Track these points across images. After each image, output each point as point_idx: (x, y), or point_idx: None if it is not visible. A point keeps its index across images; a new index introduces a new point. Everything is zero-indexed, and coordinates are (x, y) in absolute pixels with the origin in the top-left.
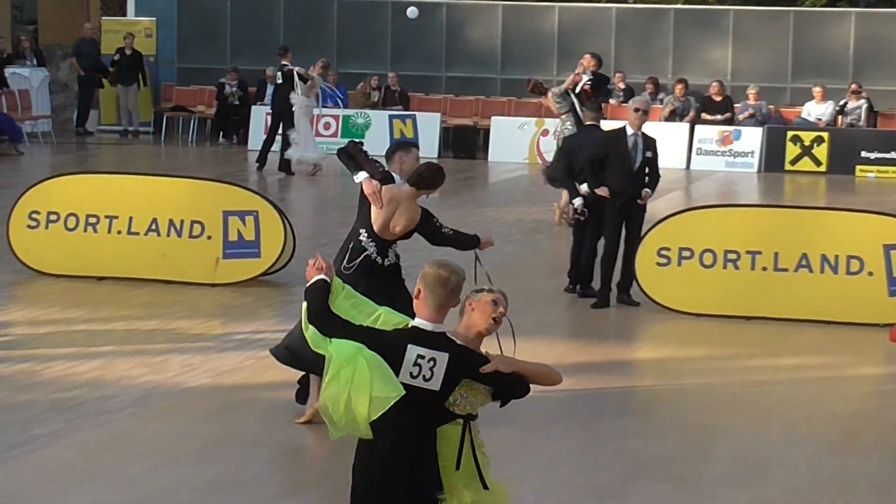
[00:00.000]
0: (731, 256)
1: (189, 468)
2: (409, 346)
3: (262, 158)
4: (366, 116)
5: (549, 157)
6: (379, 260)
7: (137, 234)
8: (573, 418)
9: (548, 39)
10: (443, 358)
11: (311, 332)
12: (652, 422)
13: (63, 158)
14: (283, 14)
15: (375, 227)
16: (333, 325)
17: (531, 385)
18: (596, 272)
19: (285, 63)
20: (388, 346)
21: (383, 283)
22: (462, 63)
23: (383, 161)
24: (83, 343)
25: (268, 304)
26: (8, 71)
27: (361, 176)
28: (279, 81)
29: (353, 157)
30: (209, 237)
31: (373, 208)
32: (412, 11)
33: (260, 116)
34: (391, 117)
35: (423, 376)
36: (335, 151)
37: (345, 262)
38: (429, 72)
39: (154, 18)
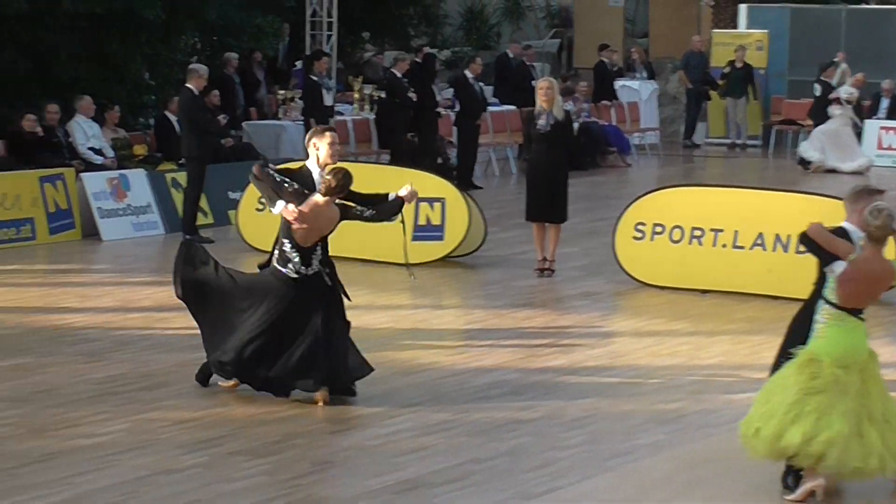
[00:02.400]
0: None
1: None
2: None
3: None
4: None
5: None
6: (303, 269)
7: (742, 247)
8: None
9: None
10: None
11: None
12: None
13: (669, 171)
14: None
15: (300, 241)
16: None
17: None
18: None
19: None
20: None
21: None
22: None
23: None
24: (686, 356)
25: None
26: (618, 83)
27: (279, 206)
28: None
29: (265, 184)
30: None
31: (294, 225)
32: None
33: (873, 130)
34: None
35: None
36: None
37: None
38: None
39: (765, 31)
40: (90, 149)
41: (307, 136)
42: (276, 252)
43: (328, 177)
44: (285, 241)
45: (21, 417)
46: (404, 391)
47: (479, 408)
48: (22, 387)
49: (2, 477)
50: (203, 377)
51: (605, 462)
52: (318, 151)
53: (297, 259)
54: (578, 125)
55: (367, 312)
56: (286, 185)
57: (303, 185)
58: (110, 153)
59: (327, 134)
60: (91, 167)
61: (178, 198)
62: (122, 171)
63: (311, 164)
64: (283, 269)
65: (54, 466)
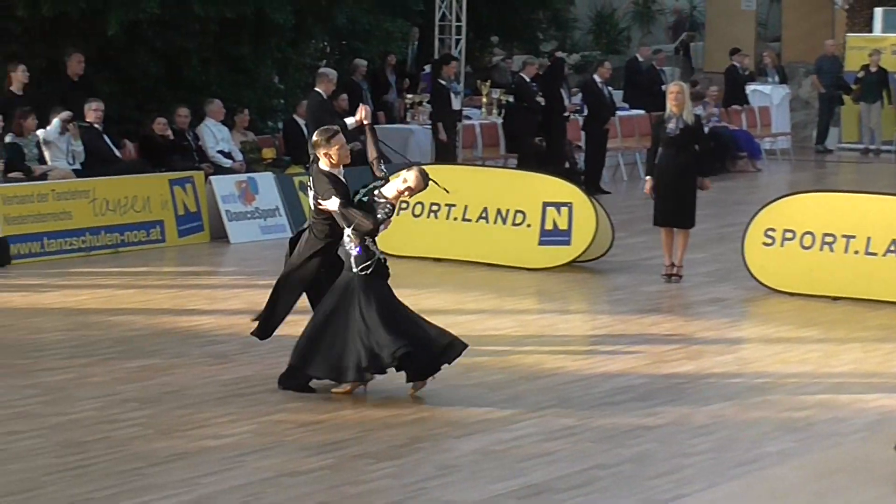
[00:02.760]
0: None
1: None
2: None
3: None
4: None
5: None
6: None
7: (875, 254)
8: None
9: None
10: None
11: None
12: None
13: (800, 176)
14: None
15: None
16: None
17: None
18: None
19: None
20: None
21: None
22: None
23: None
24: (816, 363)
25: None
26: (749, 88)
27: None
28: None
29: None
30: None
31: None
32: None
33: None
34: None
35: None
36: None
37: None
38: None
39: None
40: (219, 152)
41: (314, 143)
42: (355, 253)
43: (408, 175)
44: (366, 237)
45: (149, 418)
46: (529, 396)
47: (605, 413)
48: (150, 388)
49: (130, 476)
50: (296, 384)
51: (731, 470)
52: (332, 158)
53: (375, 246)
54: (708, 130)
55: (493, 317)
56: (363, 214)
57: (343, 186)
58: (239, 156)
59: (333, 140)
60: (220, 170)
61: (305, 201)
62: (251, 175)
63: (325, 167)
64: (370, 261)
65: (181, 467)
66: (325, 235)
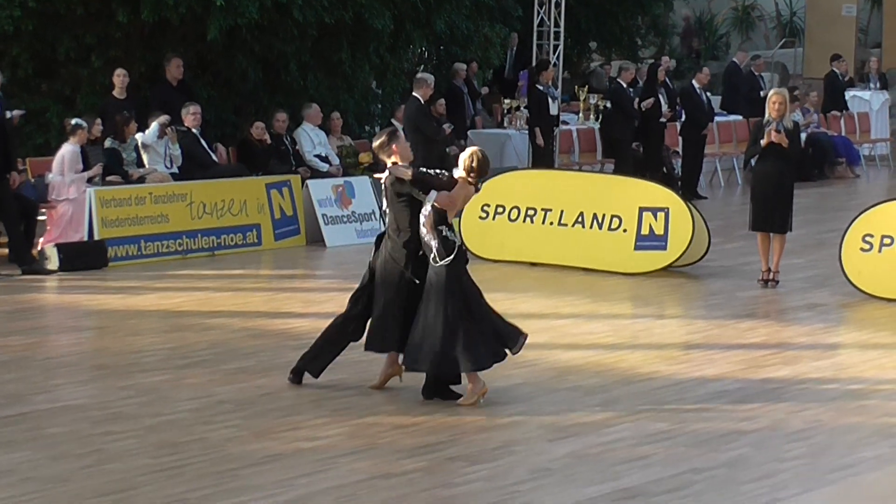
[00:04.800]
0: None
1: None
2: None
3: None
4: None
5: None
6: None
7: None
8: None
9: None
10: None
11: None
12: None
13: None
14: None
15: (449, 218)
16: None
17: None
18: None
19: None
20: None
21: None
22: None
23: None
24: None
25: None
26: (849, 93)
27: (433, 196)
28: None
29: (423, 181)
30: None
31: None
32: None
33: None
34: None
35: None
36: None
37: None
38: None
39: None
40: (316, 156)
41: (380, 151)
42: (435, 244)
43: (466, 158)
44: (441, 228)
45: (244, 420)
46: (624, 400)
47: (700, 417)
48: (246, 390)
49: (225, 478)
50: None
51: (826, 475)
52: (397, 156)
53: (452, 233)
54: (806, 136)
55: (588, 321)
56: (439, 174)
57: None
58: (336, 161)
59: (394, 146)
60: (317, 174)
61: None
62: (348, 179)
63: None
64: (450, 250)
65: (275, 468)
66: (407, 238)
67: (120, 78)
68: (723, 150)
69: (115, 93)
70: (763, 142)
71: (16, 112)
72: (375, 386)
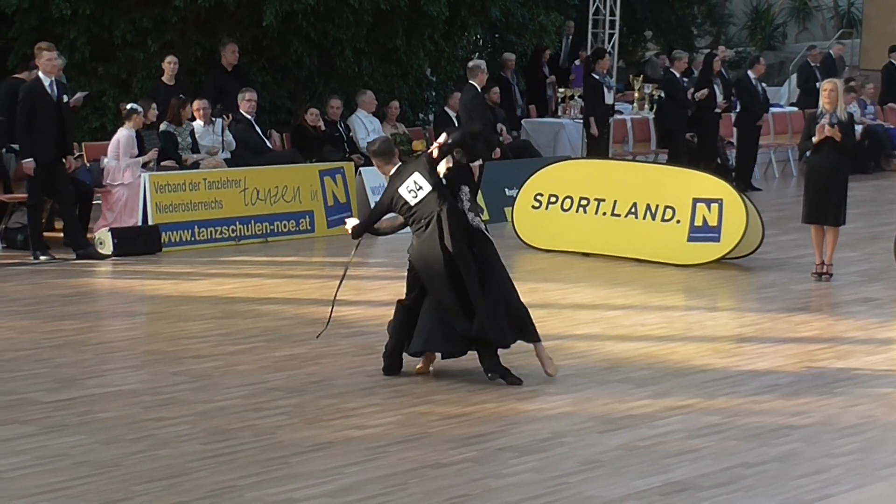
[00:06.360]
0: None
1: None
2: None
3: None
4: None
5: None
6: None
7: None
8: None
9: None
10: None
11: None
12: None
13: None
14: None
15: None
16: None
17: None
18: None
19: None
20: None
21: None
22: None
23: None
24: None
25: None
26: None
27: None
28: None
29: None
30: None
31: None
32: None
33: None
34: None
35: None
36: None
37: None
38: None
39: None
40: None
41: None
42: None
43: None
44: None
45: (295, 407)
46: (675, 392)
47: (751, 411)
48: (297, 377)
49: (275, 465)
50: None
51: (879, 471)
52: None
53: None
54: (862, 128)
55: (640, 312)
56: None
57: None
58: None
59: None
60: (370, 162)
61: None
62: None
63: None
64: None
65: (326, 456)
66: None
67: (171, 66)
68: (777, 142)
69: (164, 79)
70: (815, 138)
71: (78, 94)
72: (421, 369)
